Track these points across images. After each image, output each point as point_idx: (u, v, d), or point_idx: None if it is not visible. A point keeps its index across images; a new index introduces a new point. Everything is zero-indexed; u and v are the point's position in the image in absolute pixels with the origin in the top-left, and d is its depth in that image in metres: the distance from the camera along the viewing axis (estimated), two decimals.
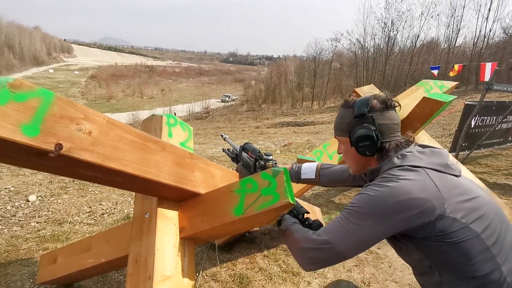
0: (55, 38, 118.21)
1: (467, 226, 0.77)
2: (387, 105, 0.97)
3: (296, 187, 2.12)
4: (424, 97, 2.05)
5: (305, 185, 2.11)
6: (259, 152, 1.36)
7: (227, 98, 47.30)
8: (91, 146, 0.74)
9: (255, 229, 2.27)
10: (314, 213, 2.21)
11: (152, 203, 1.07)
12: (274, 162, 1.32)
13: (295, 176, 1.42)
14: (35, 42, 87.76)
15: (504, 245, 0.79)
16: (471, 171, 4.32)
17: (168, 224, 1.06)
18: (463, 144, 4.20)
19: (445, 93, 2.46)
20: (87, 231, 2.29)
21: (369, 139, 0.95)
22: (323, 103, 33.48)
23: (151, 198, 1.09)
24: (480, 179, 3.92)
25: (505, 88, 3.31)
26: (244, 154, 1.48)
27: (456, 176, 0.85)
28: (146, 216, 1.06)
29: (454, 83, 2.52)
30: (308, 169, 1.40)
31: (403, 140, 0.97)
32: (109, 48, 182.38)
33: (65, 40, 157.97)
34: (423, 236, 0.81)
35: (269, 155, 1.33)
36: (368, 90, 2.68)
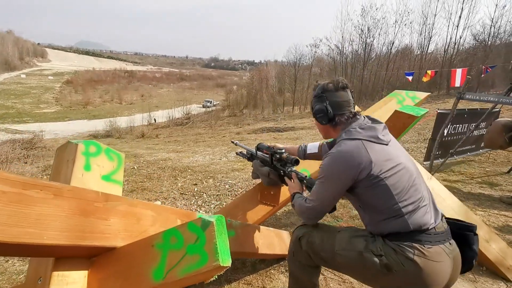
0: (28, 42, 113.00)
1: (382, 179, 1.14)
2: (337, 87, 1.30)
3: (262, 210, 1.91)
4: (396, 111, 1.91)
5: (270, 208, 1.91)
6: (273, 148, 1.72)
7: (208, 104, 46.74)
8: None
9: None
10: (282, 238, 2.01)
11: (48, 264, 0.82)
12: (287, 154, 1.69)
13: (302, 153, 1.72)
14: (7, 46, 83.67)
15: (407, 195, 1.15)
16: (445, 180, 4.29)
17: None
18: (437, 153, 4.16)
19: (417, 105, 2.35)
20: None
21: (322, 112, 1.31)
22: (304, 108, 33.72)
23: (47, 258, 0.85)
24: (454, 188, 3.87)
25: (477, 97, 3.28)
26: (259, 153, 1.84)
27: (385, 144, 1.21)
28: (39, 282, 0.81)
29: (426, 94, 2.41)
30: (312, 146, 1.71)
31: (351, 115, 1.30)
32: (87, 53, 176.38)
33: (38, 44, 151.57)
34: (359, 188, 1.18)
35: (282, 149, 1.71)
36: None
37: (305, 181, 1.55)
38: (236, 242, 1.44)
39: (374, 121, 1.30)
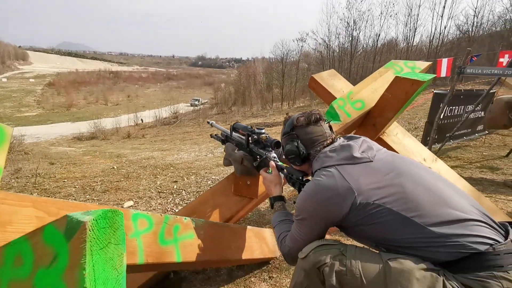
0: (9, 46, 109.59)
1: (382, 206, 0.87)
2: (310, 121, 1.11)
3: (237, 205, 1.54)
4: (396, 77, 1.57)
5: (247, 202, 1.54)
6: (251, 127, 1.40)
7: (196, 102, 46.09)
8: None
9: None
10: (263, 238, 1.65)
11: None
12: (267, 135, 1.34)
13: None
14: None
15: (421, 205, 0.86)
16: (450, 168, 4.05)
17: None
18: (434, 137, 3.88)
19: None
20: None
21: (294, 153, 1.11)
22: (292, 103, 33.53)
23: None
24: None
25: (479, 71, 3.00)
26: (235, 134, 1.52)
27: (368, 161, 0.97)
28: None
29: (427, 63, 2.09)
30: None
31: (327, 144, 1.09)
32: (69, 54, 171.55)
33: (19, 47, 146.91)
34: (352, 225, 0.94)
35: (261, 129, 1.37)
36: (327, 76, 2.19)
37: (285, 171, 1.26)
38: (197, 248, 1.08)
39: (350, 138, 1.09)
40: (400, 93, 1.59)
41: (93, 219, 0.38)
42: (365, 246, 0.97)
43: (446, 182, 0.96)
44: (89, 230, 0.38)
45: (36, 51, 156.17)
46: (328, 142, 1.10)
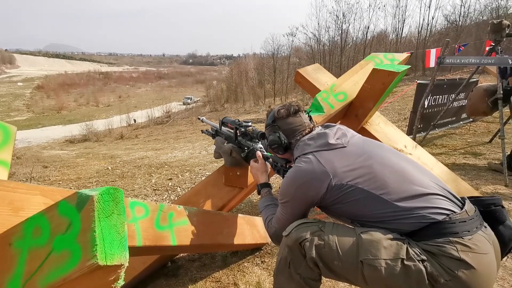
0: None
1: (354, 186, 0.98)
2: (289, 113, 1.21)
3: (229, 195, 1.63)
4: (373, 69, 1.67)
5: (238, 192, 1.64)
6: (239, 121, 1.49)
7: (189, 101, 45.92)
8: None
9: (180, 255, 1.76)
10: (254, 225, 1.75)
11: None
12: (253, 127, 1.44)
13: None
14: None
15: (388, 183, 0.97)
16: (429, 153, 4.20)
17: None
18: (419, 126, 4.02)
19: None
20: None
21: (276, 143, 1.21)
22: (285, 98, 33.61)
23: None
24: (438, 160, 3.77)
25: (458, 61, 3.13)
26: (224, 128, 1.63)
27: (341, 147, 1.07)
28: None
29: (406, 55, 2.19)
30: None
31: (306, 133, 1.19)
32: (57, 56, 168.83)
33: (6, 50, 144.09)
34: (329, 204, 1.04)
35: (248, 122, 1.47)
36: (312, 70, 2.28)
37: (270, 159, 1.37)
38: (190, 233, 1.17)
39: (326, 127, 1.20)
40: (377, 84, 1.69)
41: (99, 194, 0.47)
42: (343, 223, 1.07)
43: (409, 162, 1.07)
44: (96, 202, 0.46)
45: (23, 54, 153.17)
46: (307, 131, 1.20)
